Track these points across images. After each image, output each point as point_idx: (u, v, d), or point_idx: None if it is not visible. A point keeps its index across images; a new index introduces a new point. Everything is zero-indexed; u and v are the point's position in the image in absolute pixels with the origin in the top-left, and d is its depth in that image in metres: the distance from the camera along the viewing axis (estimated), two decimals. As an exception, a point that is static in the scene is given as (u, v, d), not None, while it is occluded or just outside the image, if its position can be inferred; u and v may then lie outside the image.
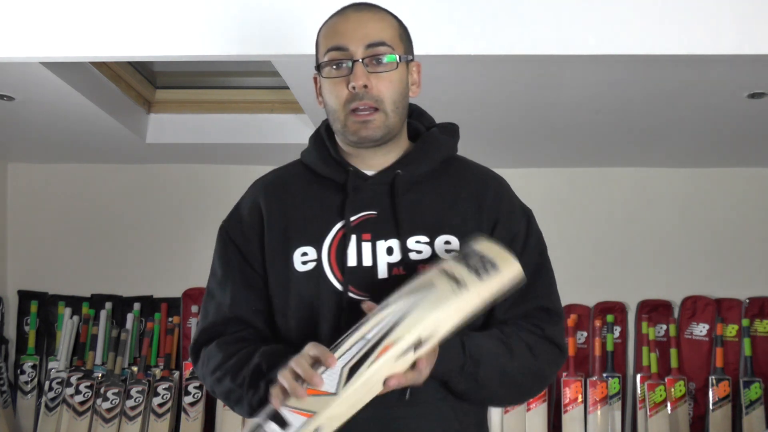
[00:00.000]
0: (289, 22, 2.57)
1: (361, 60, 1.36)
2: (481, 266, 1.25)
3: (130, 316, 4.33)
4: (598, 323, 4.15)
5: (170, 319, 4.32)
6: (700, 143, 3.94)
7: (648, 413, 3.96)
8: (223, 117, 4.03)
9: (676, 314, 4.25)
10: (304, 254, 1.38)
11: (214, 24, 2.59)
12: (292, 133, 3.97)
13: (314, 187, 1.43)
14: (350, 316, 1.30)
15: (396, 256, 1.35)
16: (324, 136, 1.47)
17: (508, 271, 1.26)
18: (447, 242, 1.37)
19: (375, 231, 1.37)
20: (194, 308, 4.34)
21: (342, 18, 1.42)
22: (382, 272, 1.35)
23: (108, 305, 4.39)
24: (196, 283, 4.35)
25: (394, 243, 1.36)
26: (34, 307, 4.43)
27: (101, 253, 4.47)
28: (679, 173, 4.35)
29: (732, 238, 4.29)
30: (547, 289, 1.46)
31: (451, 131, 1.51)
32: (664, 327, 4.20)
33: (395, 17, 1.45)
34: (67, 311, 4.38)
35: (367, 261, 1.36)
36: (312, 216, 1.40)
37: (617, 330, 4.23)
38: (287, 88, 3.29)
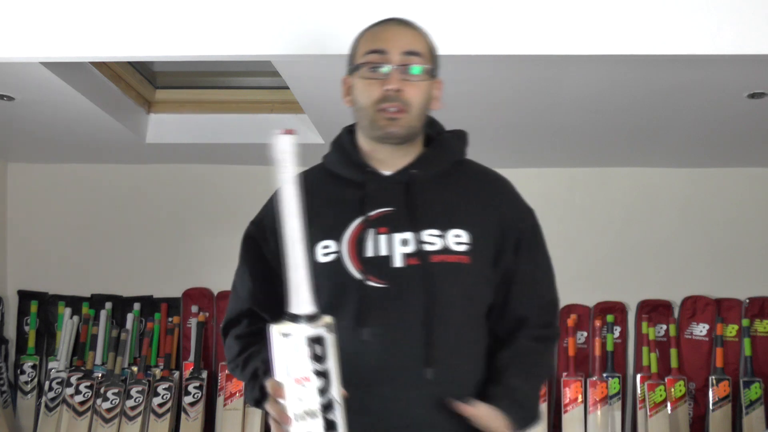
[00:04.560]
0: (289, 22, 2.57)
1: (396, 66, 1.49)
2: None
3: (130, 316, 4.33)
4: (598, 323, 4.15)
5: (170, 319, 4.32)
6: (700, 143, 3.94)
7: (648, 413, 3.97)
8: (223, 117, 4.03)
9: (676, 314, 4.25)
10: (326, 247, 1.50)
11: (214, 24, 2.59)
12: (292, 134, 3.97)
13: (335, 187, 1.57)
14: (370, 303, 1.44)
15: (411, 247, 1.48)
16: (345, 140, 1.61)
17: None
18: (457, 235, 1.50)
19: (392, 225, 1.49)
20: (194, 308, 4.34)
21: (383, 26, 1.56)
22: (398, 261, 1.47)
23: (108, 305, 4.40)
24: (196, 283, 4.36)
25: (408, 235, 1.48)
26: (34, 307, 4.43)
27: (101, 253, 4.48)
28: (679, 173, 4.35)
29: (732, 238, 4.30)
30: (553, 284, 1.64)
31: (461, 137, 1.65)
32: (664, 327, 4.20)
33: (428, 36, 1.59)
34: (67, 311, 4.38)
35: (383, 251, 1.48)
36: (333, 213, 1.52)
37: (617, 330, 4.24)
38: (287, 88, 3.29)
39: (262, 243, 1.60)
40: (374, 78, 1.50)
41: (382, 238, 1.49)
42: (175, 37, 2.60)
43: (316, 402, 1.30)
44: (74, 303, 4.42)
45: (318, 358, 1.31)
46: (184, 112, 4.05)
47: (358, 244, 1.49)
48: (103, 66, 3.47)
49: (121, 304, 4.43)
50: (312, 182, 1.56)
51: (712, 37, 2.48)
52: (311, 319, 1.32)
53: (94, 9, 2.60)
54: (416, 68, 1.50)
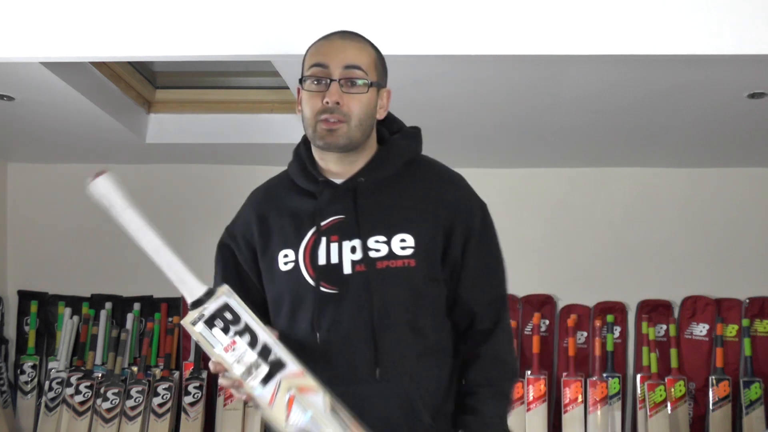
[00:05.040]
0: (289, 22, 2.57)
1: (338, 80, 1.56)
2: None
3: (130, 316, 4.33)
4: (598, 323, 4.15)
5: (170, 319, 4.32)
6: (700, 143, 3.94)
7: (648, 413, 3.96)
8: (223, 117, 4.03)
9: (676, 314, 4.25)
10: (286, 256, 1.61)
11: (214, 24, 2.59)
12: (292, 133, 3.95)
13: (294, 196, 1.66)
14: (322, 307, 1.54)
15: (358, 254, 1.56)
16: (302, 149, 1.68)
17: None
18: (402, 240, 1.57)
19: (342, 233, 1.58)
20: (194, 308, 4.34)
21: (327, 41, 1.62)
22: (347, 268, 1.56)
23: (108, 305, 4.39)
24: (196, 283, 4.35)
25: (356, 243, 1.57)
26: (34, 307, 4.43)
27: (101, 253, 4.47)
28: (679, 173, 4.35)
29: (732, 238, 4.29)
30: (502, 278, 1.68)
31: (413, 135, 1.69)
32: (664, 327, 4.20)
33: (374, 48, 1.64)
34: (67, 311, 4.38)
35: (334, 259, 1.57)
36: (291, 223, 1.62)
37: (617, 330, 4.23)
38: (287, 88, 3.29)
39: (236, 249, 1.71)
40: (317, 90, 1.57)
41: (334, 246, 1.57)
42: (175, 37, 2.60)
43: (252, 354, 1.46)
44: (74, 303, 4.42)
45: (232, 321, 1.48)
46: (184, 112, 4.05)
47: (312, 252, 1.58)
48: (103, 66, 3.47)
49: (121, 304, 4.43)
50: (276, 192, 1.69)
51: (712, 37, 2.49)
52: (209, 295, 1.49)
53: (94, 9, 2.60)
54: (356, 81, 1.57)
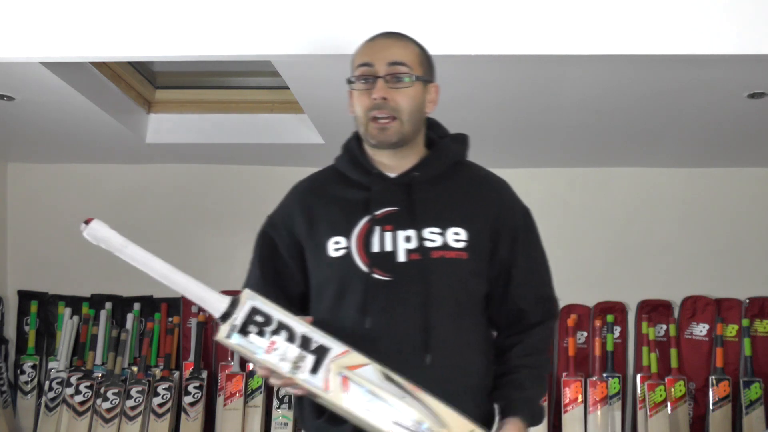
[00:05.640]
0: (289, 22, 2.57)
1: (383, 77, 1.63)
2: None
3: (130, 316, 4.33)
4: (598, 323, 4.15)
5: (170, 319, 4.32)
6: (701, 143, 3.94)
7: (648, 413, 3.96)
8: (223, 117, 4.03)
9: (676, 314, 4.25)
10: (337, 242, 1.64)
11: (214, 24, 2.59)
12: (292, 133, 3.97)
13: (344, 187, 1.71)
14: (374, 294, 1.58)
15: (413, 243, 1.61)
16: (353, 144, 1.74)
17: None
18: (456, 233, 1.63)
19: (396, 223, 1.63)
20: (194, 308, 4.34)
21: (372, 42, 1.71)
22: (401, 256, 1.61)
23: (108, 305, 4.39)
24: (196, 283, 4.35)
25: (411, 233, 1.62)
26: (34, 307, 4.43)
27: (101, 253, 4.43)
28: (679, 173, 4.35)
29: (732, 238, 4.29)
30: (549, 280, 1.76)
31: (461, 140, 1.78)
32: (664, 327, 4.20)
33: (419, 45, 1.72)
34: (67, 311, 4.38)
35: (388, 247, 1.61)
36: (341, 211, 1.67)
37: (617, 330, 4.23)
38: (287, 88, 3.29)
39: (276, 237, 1.73)
40: (364, 89, 1.64)
41: (387, 235, 1.62)
42: (175, 37, 2.60)
43: (294, 349, 1.47)
44: (74, 303, 4.42)
45: (265, 323, 1.48)
46: (184, 112, 4.04)
47: (365, 240, 1.62)
48: (103, 66, 3.47)
49: (121, 304, 4.43)
50: (323, 184, 1.74)
51: (712, 37, 2.49)
52: (234, 304, 1.49)
53: (94, 9, 2.60)
54: (401, 77, 1.64)
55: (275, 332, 1.48)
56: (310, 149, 3.96)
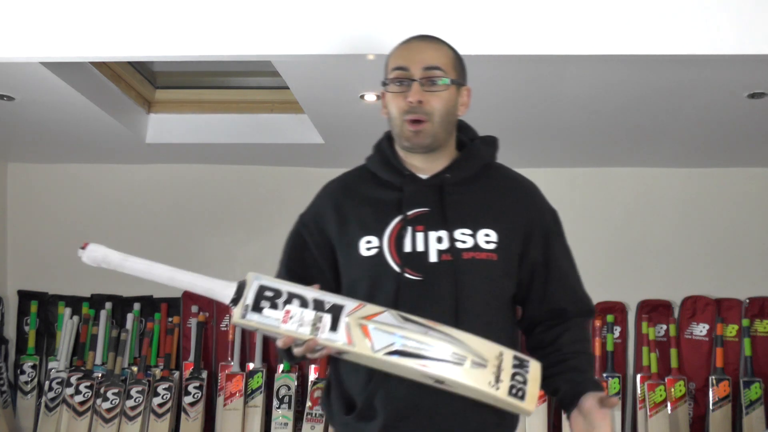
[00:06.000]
0: (289, 22, 2.57)
1: (418, 80, 1.65)
2: (518, 389, 1.48)
3: (130, 316, 4.33)
4: (598, 323, 4.15)
5: (170, 319, 4.32)
6: (700, 143, 3.94)
7: (648, 413, 3.96)
8: (223, 117, 4.03)
9: (676, 314, 4.25)
10: (369, 242, 1.66)
11: (214, 24, 2.59)
12: (292, 133, 3.97)
13: (376, 187, 1.73)
14: (405, 293, 1.60)
15: (445, 244, 1.63)
16: (385, 145, 1.76)
17: (525, 408, 1.48)
18: (487, 235, 1.66)
19: (428, 224, 1.65)
20: (194, 308, 4.34)
21: (407, 45, 1.72)
22: (433, 257, 1.63)
23: (108, 305, 4.40)
24: (196, 283, 4.35)
25: (443, 233, 1.64)
26: (34, 307, 4.43)
27: (101, 253, 4.46)
28: (679, 173, 4.35)
29: (732, 238, 4.29)
30: (578, 276, 1.83)
31: (491, 142, 1.82)
32: (664, 327, 4.20)
33: (452, 49, 1.74)
34: (67, 311, 4.39)
35: (420, 247, 1.64)
36: (373, 211, 1.69)
37: (617, 330, 4.24)
38: (287, 88, 3.29)
39: (307, 236, 1.74)
40: (400, 91, 1.66)
41: (419, 235, 1.65)
42: (175, 37, 2.60)
43: (309, 312, 1.50)
44: (74, 303, 4.42)
45: (275, 296, 1.52)
46: (184, 112, 4.04)
47: (397, 240, 1.65)
48: (103, 66, 3.47)
49: (121, 304, 4.44)
50: (355, 183, 1.77)
51: (712, 37, 2.49)
52: (240, 288, 1.52)
53: (94, 9, 2.60)
54: (436, 80, 1.66)
55: (287, 302, 1.51)
56: (310, 149, 3.96)
